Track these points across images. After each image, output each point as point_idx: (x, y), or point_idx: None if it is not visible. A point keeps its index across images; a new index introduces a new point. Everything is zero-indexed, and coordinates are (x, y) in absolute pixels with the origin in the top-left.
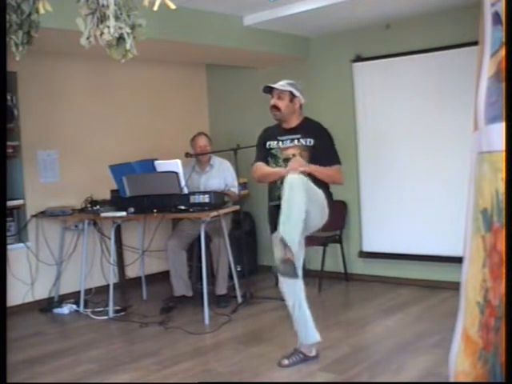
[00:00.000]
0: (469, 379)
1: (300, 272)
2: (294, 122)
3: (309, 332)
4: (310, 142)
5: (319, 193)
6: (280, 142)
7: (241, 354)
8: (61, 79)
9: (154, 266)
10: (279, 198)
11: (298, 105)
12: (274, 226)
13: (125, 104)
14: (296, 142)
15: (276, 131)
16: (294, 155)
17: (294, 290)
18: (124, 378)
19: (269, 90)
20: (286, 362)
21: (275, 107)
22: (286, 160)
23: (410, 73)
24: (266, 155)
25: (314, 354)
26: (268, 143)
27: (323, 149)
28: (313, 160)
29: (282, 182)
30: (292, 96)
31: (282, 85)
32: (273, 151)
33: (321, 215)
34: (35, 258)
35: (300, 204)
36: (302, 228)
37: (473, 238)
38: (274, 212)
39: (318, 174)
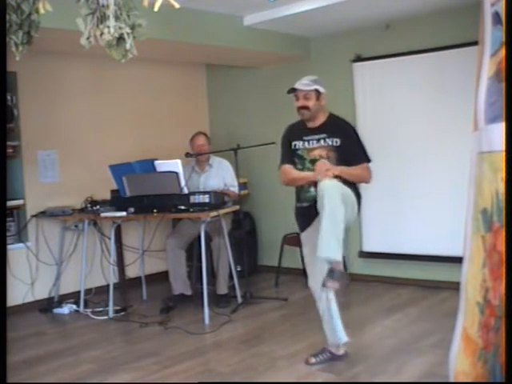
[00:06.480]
0: (469, 379)
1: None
2: (320, 119)
3: (338, 333)
4: (337, 142)
5: (350, 193)
6: (306, 143)
7: (241, 353)
8: (61, 79)
9: (154, 265)
10: (309, 200)
11: (323, 101)
12: (304, 226)
13: (125, 104)
14: (322, 142)
15: (301, 130)
16: (321, 156)
17: (325, 294)
18: (124, 378)
19: (293, 90)
20: (313, 360)
21: (304, 107)
22: (313, 161)
23: (410, 73)
24: (292, 156)
25: (341, 352)
26: (293, 143)
27: (350, 148)
28: (340, 160)
29: (310, 186)
30: (318, 93)
31: (306, 84)
32: (299, 152)
33: (352, 215)
34: (35, 258)
35: (341, 217)
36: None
37: (473, 238)
38: (305, 213)
39: (344, 175)
